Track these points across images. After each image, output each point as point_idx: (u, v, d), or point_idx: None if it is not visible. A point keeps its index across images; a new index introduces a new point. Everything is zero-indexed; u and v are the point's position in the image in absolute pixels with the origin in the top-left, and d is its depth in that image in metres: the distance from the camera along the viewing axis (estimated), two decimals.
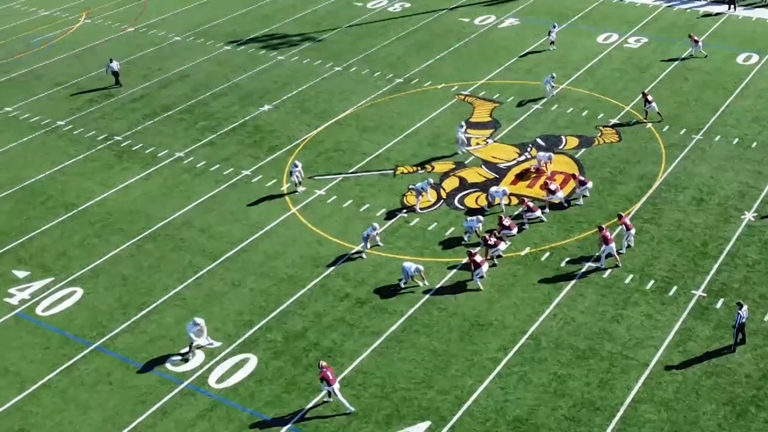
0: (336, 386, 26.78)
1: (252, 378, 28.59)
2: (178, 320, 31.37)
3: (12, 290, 33.77)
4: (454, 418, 26.24)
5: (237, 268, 34.00)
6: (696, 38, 49.94)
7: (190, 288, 33.11)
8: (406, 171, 39.60)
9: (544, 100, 45.52)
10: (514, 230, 33.38)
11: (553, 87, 45.78)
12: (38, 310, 32.58)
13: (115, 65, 51.25)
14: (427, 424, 26.18)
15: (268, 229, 36.16)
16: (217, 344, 30.14)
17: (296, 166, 38.76)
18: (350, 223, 36.05)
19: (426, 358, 28.67)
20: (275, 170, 40.44)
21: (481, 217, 34.17)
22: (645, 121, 42.79)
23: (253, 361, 29.26)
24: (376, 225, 33.88)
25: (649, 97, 42.74)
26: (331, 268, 33.43)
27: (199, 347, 30.05)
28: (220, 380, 28.58)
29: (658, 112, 42.82)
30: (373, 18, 58.08)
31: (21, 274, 34.70)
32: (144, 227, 37.10)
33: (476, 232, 33.85)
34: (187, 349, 30.05)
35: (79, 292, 33.44)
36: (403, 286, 31.98)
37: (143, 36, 58.38)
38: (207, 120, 45.95)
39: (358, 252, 34.01)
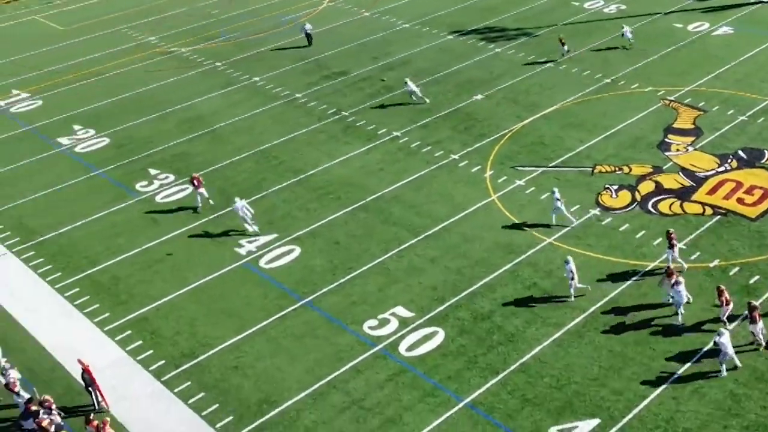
0: None
1: (438, 351, 28.03)
2: (380, 288, 31.23)
3: (242, 241, 34.75)
4: (624, 420, 24.60)
5: (436, 245, 33.43)
6: None
7: (393, 259, 32.88)
8: (604, 170, 37.54)
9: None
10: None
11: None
12: (262, 263, 33.36)
13: (308, 27, 54.58)
14: (596, 421, 24.72)
15: (469, 212, 35.31)
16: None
17: (407, 84, 45.10)
18: (545, 215, 34.47)
19: (603, 356, 27.06)
20: (481, 157, 39.41)
21: None
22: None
23: (440, 335, 28.69)
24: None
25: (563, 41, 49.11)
26: (523, 257, 32.19)
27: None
28: (409, 348, 28.21)
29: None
30: (589, 18, 55.40)
31: (252, 228, 35.68)
32: (359, 198, 37.17)
33: None
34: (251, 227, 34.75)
35: (298, 250, 33.95)
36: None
37: (376, 21, 58.53)
38: (424, 103, 45.43)
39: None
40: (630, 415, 24.73)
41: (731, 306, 27.50)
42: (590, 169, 37.74)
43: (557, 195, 33.55)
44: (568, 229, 33.46)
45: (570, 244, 32.52)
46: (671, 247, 30.09)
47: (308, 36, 54.76)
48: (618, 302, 29.34)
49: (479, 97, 45.62)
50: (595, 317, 28.74)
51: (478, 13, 57.90)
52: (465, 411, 25.56)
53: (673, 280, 28.00)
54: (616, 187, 36.12)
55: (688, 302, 28.17)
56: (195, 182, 37.13)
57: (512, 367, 27.00)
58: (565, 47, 49.82)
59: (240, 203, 35.11)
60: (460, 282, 31.20)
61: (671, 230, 30.64)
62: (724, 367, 25.69)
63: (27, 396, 26.33)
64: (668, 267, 28.92)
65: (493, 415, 25.28)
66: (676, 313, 28.03)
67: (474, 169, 38.49)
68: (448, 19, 57.42)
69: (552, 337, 28.06)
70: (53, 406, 25.77)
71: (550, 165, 38.33)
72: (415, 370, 27.29)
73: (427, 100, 45.29)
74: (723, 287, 27.70)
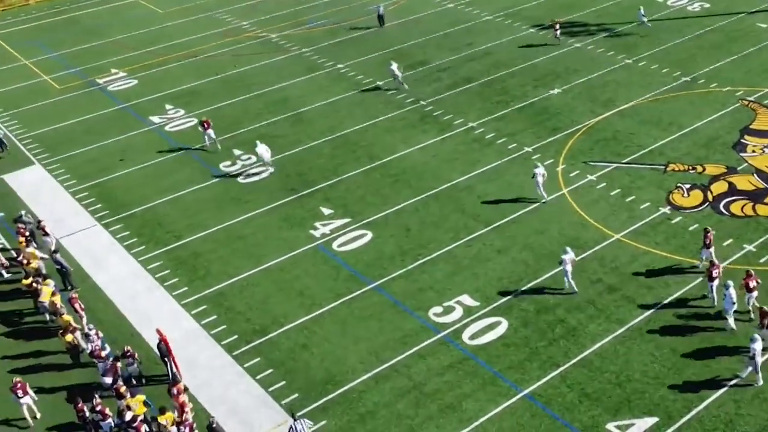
0: None
1: (500, 341, 27.63)
2: (446, 275, 30.93)
3: (317, 224, 34.82)
4: (682, 420, 23.83)
5: (504, 236, 32.87)
6: None
7: (460, 248, 32.49)
8: (677, 169, 36.28)
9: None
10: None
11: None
12: (334, 245, 33.38)
13: (381, 9, 55.45)
14: (654, 419, 24.00)
15: (538, 205, 34.60)
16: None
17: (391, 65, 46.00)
18: (614, 211, 33.64)
19: (664, 355, 26.22)
20: (554, 151, 38.57)
21: None
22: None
23: (503, 325, 28.26)
24: None
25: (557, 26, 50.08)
26: (589, 251, 31.40)
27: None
28: (472, 337, 27.88)
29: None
30: (671, 15, 53.46)
31: (326, 211, 35.69)
32: (432, 186, 36.81)
33: None
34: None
35: (369, 235, 33.85)
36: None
37: (460, 12, 57.71)
38: (501, 96, 44.64)
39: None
40: (689, 416, 23.96)
41: (755, 294, 26.81)
42: (663, 167, 36.54)
43: (538, 169, 34.37)
44: (637, 225, 32.51)
45: (638, 242, 31.61)
46: (707, 246, 29.24)
47: (380, 18, 55.65)
48: (682, 302, 28.38)
49: (556, 91, 44.61)
50: (658, 315, 27.88)
51: (560, 8, 56.42)
52: (524, 402, 25.15)
53: (716, 283, 27.38)
54: (688, 186, 34.90)
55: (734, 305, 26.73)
56: (205, 124, 41.01)
57: (573, 361, 26.42)
58: (558, 32, 50.08)
59: (262, 147, 38.84)
60: (526, 274, 30.64)
61: (709, 229, 29.78)
62: (747, 370, 24.75)
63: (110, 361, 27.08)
64: (711, 263, 28.05)
65: (552, 408, 24.80)
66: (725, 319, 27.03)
67: (546, 162, 37.59)
68: (530, 13, 56.19)
69: (614, 334, 27.34)
70: (136, 355, 26.82)
71: (623, 161, 37.23)
72: (477, 359, 26.96)
73: (407, 87, 46.01)
74: (752, 271, 27.21)
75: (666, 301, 28.44)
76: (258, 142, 39.23)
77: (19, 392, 25.73)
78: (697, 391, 24.75)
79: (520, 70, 47.48)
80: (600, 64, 47.27)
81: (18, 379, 26.10)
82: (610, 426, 24.01)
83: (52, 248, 33.10)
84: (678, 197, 34.22)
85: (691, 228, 32.11)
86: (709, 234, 29.33)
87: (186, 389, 25.62)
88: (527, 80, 46.19)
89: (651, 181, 35.53)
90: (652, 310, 28.11)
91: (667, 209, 33.52)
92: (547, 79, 46.13)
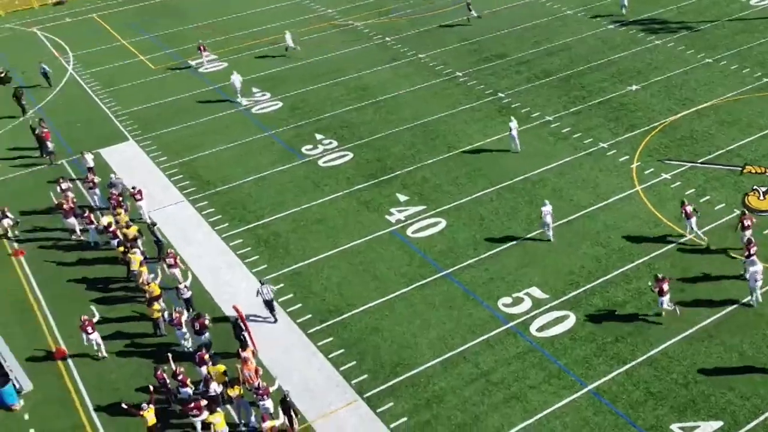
0: None
1: (568, 334, 27.14)
2: (517, 266, 30.50)
3: (393, 210, 34.74)
4: (748, 426, 23.01)
5: (576, 231, 32.22)
6: None
7: (533, 240, 31.97)
8: (753, 171, 34.93)
9: None
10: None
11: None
12: (409, 231, 33.24)
13: None
14: (719, 423, 23.25)
15: (611, 201, 33.79)
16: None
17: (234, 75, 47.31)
18: None
19: (732, 358, 25.36)
20: (629, 147, 37.54)
21: None
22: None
23: (571, 319, 27.74)
24: None
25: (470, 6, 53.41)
26: (661, 250, 30.53)
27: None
28: (540, 329, 27.46)
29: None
30: (755, 15, 51.35)
31: (402, 197, 35.55)
32: (507, 177, 36.30)
33: None
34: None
35: (443, 222, 33.60)
36: None
37: (542, 6, 56.55)
38: (579, 90, 43.64)
39: None
40: (755, 422, 23.13)
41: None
42: (740, 168, 35.22)
43: (512, 123, 37.58)
44: (710, 226, 31.40)
45: (711, 243, 30.54)
46: (688, 217, 29.98)
47: None
48: (756, 305, 27.37)
49: (634, 87, 43.37)
50: (728, 318, 26.95)
51: (640, 5, 54.69)
52: (588, 397, 24.67)
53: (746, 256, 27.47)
54: (764, 189, 33.58)
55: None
56: (201, 47, 50.83)
57: (640, 359, 25.77)
58: (473, 12, 53.47)
59: (235, 76, 45.12)
60: (597, 269, 29.98)
61: (684, 201, 30.64)
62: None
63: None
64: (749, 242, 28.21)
65: (617, 405, 24.26)
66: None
67: (621, 159, 36.73)
68: (611, 9, 54.66)
69: (682, 334, 26.53)
70: (207, 322, 27.39)
71: (699, 161, 36.02)
72: (544, 351, 26.55)
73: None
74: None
75: (736, 304, 27.45)
76: (234, 71, 45.95)
77: (89, 329, 27.47)
78: (766, 396, 23.88)
79: (598, 66, 46.32)
80: (680, 62, 45.73)
81: (85, 317, 27.67)
82: (674, 427, 23.36)
83: (148, 217, 33.91)
84: (754, 200, 32.97)
85: (765, 231, 30.87)
86: (684, 206, 30.07)
87: (254, 354, 25.92)
88: (605, 76, 45.02)
89: (726, 183, 34.29)
90: (721, 313, 27.17)
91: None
92: (625, 75, 44.88)
